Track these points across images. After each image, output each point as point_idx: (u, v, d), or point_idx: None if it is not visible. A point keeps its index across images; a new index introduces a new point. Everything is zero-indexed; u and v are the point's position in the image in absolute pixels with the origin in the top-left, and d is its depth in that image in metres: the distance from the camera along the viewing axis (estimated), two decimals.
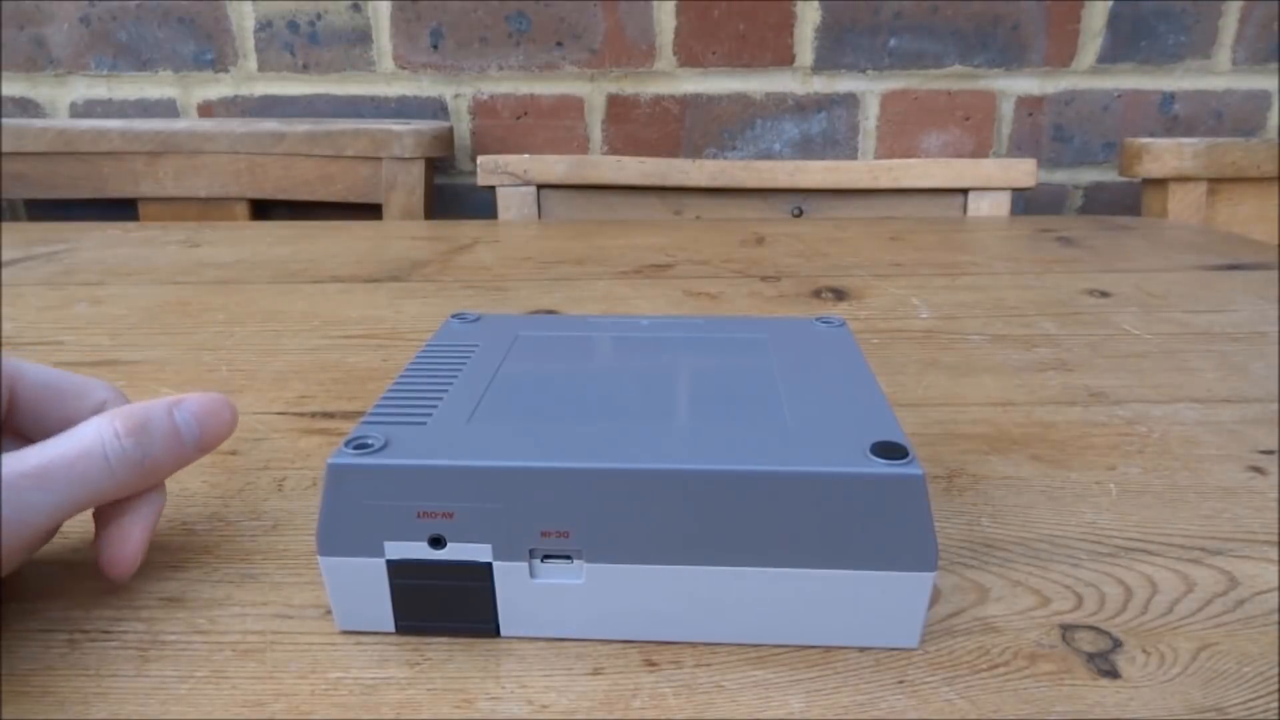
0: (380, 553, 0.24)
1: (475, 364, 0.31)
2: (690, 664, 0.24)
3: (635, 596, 0.24)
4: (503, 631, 0.25)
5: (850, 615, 0.24)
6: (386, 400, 0.27)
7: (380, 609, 0.25)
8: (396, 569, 0.24)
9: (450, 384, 0.29)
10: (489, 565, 0.24)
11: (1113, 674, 0.24)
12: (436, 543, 0.24)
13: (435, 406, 0.27)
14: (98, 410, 0.29)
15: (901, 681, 0.24)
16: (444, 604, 0.25)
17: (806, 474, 0.23)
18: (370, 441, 0.24)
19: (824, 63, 1.04)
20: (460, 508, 0.24)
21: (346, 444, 0.24)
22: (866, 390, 0.28)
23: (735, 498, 0.23)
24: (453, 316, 0.36)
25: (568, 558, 0.24)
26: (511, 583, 0.24)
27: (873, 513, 0.23)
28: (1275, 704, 0.23)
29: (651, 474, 0.23)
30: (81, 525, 0.31)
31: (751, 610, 0.24)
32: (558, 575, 0.24)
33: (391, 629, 0.25)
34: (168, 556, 0.30)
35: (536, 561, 0.24)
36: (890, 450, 0.24)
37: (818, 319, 0.35)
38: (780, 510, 0.23)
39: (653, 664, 0.24)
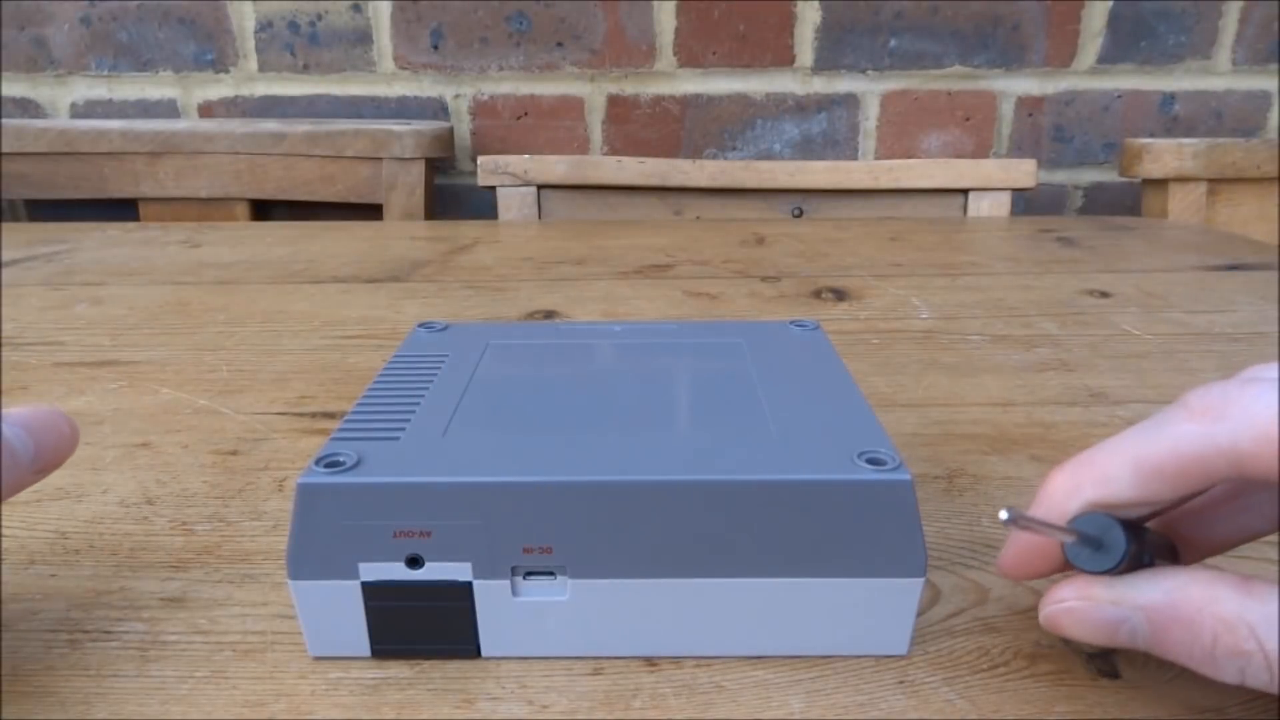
0: (355, 575, 0.23)
1: (446, 375, 0.30)
2: (690, 664, 0.24)
3: (621, 612, 0.24)
4: (484, 652, 0.25)
5: (839, 624, 0.24)
6: (356, 415, 0.26)
7: (355, 632, 0.24)
8: (372, 591, 0.24)
9: (422, 396, 0.28)
10: (469, 584, 0.23)
11: (1113, 674, 0.24)
12: (414, 563, 0.23)
13: (408, 420, 0.26)
14: None
15: (901, 682, 0.24)
16: (422, 625, 0.24)
17: (795, 482, 0.23)
18: (342, 459, 0.23)
19: (824, 63, 1.04)
20: (438, 525, 0.23)
21: (316, 462, 0.23)
22: (848, 395, 0.28)
23: (724, 508, 0.23)
24: (420, 325, 0.35)
25: (551, 574, 0.24)
26: (492, 602, 0.24)
27: (862, 519, 0.23)
28: (1275, 705, 0.23)
29: (637, 486, 0.23)
30: (83, 525, 0.31)
31: (739, 622, 0.24)
32: (541, 592, 0.24)
33: (367, 653, 0.24)
34: (168, 556, 0.30)
35: (518, 579, 0.24)
36: (877, 456, 0.24)
37: (792, 322, 0.35)
38: (769, 519, 0.23)
39: (653, 664, 0.24)
